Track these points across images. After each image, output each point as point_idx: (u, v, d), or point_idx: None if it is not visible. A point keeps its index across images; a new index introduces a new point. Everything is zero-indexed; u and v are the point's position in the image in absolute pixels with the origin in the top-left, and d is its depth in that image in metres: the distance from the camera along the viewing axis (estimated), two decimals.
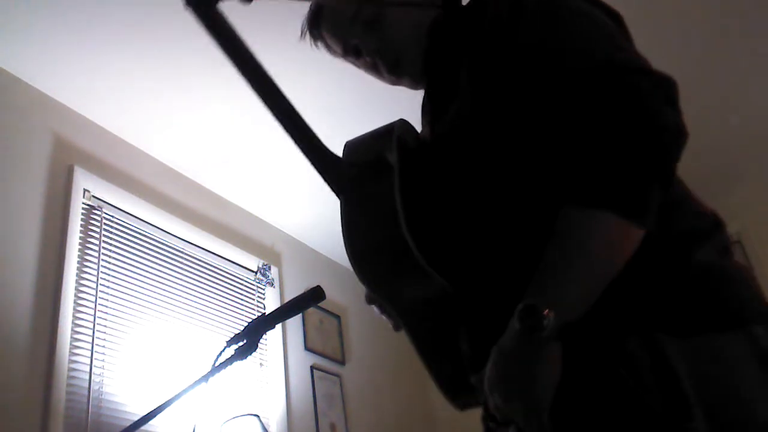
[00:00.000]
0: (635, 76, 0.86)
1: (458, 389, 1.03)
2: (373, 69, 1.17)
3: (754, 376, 0.82)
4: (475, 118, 0.99)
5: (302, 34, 1.22)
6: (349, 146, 1.07)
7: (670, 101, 0.85)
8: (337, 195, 1.03)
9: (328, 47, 1.22)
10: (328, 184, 1.05)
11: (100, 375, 2.36)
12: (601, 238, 0.82)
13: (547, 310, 0.79)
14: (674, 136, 0.83)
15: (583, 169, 0.83)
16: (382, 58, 1.13)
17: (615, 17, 1.00)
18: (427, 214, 1.01)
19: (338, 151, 1.06)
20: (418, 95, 1.22)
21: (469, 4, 1.12)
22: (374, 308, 1.10)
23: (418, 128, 1.17)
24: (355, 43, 1.15)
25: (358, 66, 1.21)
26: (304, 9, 1.22)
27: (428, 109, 1.17)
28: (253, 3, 1.02)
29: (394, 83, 1.19)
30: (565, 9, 0.96)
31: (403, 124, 1.09)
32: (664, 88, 0.86)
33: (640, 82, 0.85)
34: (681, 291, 0.85)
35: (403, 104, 1.47)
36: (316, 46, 1.23)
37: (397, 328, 1.08)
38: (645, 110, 0.83)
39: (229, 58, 1.01)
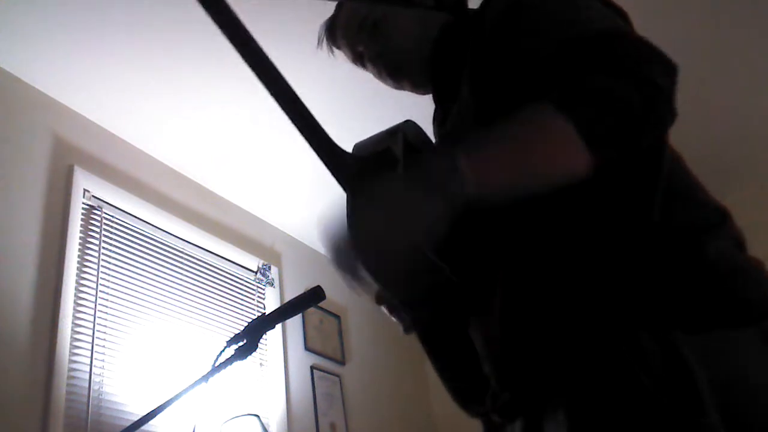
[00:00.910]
0: (637, 42, 0.87)
1: (468, 399, 1.03)
2: (377, 75, 1.19)
3: None
4: (477, 114, 0.98)
5: (319, 42, 1.23)
6: (358, 146, 1.07)
7: (669, 74, 0.85)
8: (344, 188, 1.02)
9: (345, 53, 1.24)
10: (334, 176, 1.04)
11: (100, 375, 2.36)
12: (543, 134, 0.82)
13: (461, 160, 0.78)
14: (664, 100, 0.83)
15: (562, 85, 0.83)
16: (384, 63, 1.15)
17: (616, 11, 1.00)
18: None
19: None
20: (421, 100, 1.23)
21: (475, 9, 1.13)
22: (383, 308, 1.09)
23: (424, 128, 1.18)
24: (360, 51, 1.17)
25: (369, 71, 1.22)
26: (305, 14, 1.22)
27: (438, 114, 1.18)
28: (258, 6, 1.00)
29: (396, 87, 1.20)
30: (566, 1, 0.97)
31: (410, 125, 1.10)
32: (664, 62, 0.86)
33: (641, 46, 0.86)
34: (694, 285, 0.84)
35: (404, 112, 1.48)
36: (333, 54, 1.25)
37: (407, 330, 1.06)
38: (640, 66, 0.83)
39: (236, 47, 0.99)
